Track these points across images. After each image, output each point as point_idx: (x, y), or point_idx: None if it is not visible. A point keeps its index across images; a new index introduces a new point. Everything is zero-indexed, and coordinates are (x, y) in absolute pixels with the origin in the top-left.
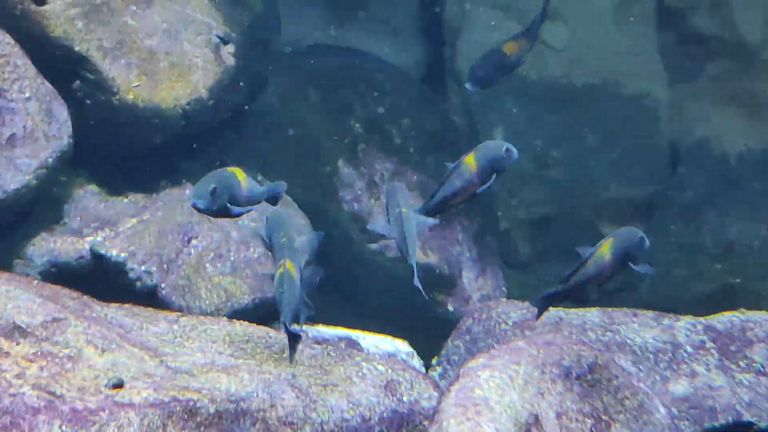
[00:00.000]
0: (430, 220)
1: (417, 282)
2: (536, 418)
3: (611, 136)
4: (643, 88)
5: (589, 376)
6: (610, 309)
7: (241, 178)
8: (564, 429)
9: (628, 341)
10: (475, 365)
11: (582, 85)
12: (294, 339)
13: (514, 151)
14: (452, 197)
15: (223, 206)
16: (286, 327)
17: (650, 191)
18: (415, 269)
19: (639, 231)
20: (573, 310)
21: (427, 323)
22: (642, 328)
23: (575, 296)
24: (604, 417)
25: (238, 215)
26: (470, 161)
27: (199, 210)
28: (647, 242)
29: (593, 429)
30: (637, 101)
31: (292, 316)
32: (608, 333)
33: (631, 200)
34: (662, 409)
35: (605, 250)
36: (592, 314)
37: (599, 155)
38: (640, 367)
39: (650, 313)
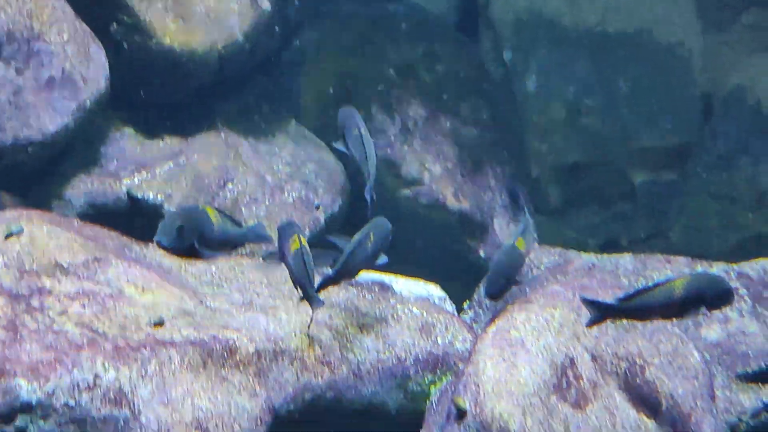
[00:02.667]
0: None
1: (368, 194)
2: (572, 360)
3: (644, 85)
4: (677, 36)
5: (624, 321)
6: (642, 255)
7: (212, 216)
8: (599, 371)
9: None
10: (512, 308)
11: (616, 32)
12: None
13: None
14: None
15: (190, 245)
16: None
17: (683, 140)
18: (371, 182)
19: (723, 280)
20: (606, 256)
21: (460, 268)
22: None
23: (629, 317)
24: (638, 360)
25: (209, 258)
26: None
27: (163, 248)
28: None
29: (628, 372)
30: (670, 50)
31: (311, 287)
32: (641, 279)
33: (663, 149)
34: (696, 354)
35: (679, 284)
36: (625, 260)
37: (632, 104)
38: None
39: (683, 260)
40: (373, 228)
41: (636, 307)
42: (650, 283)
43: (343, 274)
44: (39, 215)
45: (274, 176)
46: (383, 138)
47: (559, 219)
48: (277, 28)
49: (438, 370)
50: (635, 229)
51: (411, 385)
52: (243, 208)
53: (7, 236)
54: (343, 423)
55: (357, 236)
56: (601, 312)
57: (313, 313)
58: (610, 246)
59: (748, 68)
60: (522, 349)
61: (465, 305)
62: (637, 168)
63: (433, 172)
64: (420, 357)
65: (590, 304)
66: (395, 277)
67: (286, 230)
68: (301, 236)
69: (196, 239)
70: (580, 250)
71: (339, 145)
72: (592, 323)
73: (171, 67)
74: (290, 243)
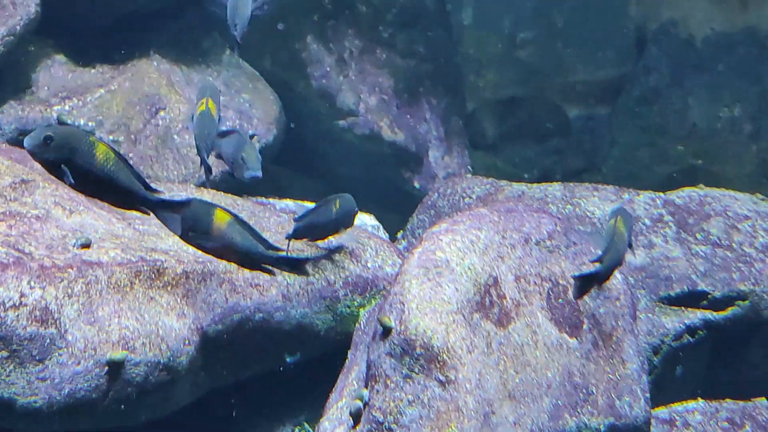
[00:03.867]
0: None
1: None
2: (495, 279)
3: (579, 19)
4: None
5: (548, 242)
6: (572, 184)
7: (99, 150)
8: (522, 291)
9: (588, 214)
10: (438, 230)
11: None
12: (208, 169)
13: None
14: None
15: (56, 164)
16: (202, 160)
17: (616, 74)
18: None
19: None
20: (536, 185)
21: (394, 199)
22: (602, 202)
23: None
24: (561, 281)
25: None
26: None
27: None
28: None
29: (550, 292)
30: None
31: (207, 149)
32: (569, 206)
33: (597, 83)
34: (619, 276)
35: (621, 227)
36: (554, 188)
37: (567, 37)
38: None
39: (611, 188)
40: (339, 199)
41: (612, 264)
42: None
43: (304, 232)
44: None
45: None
46: (319, 69)
47: (495, 153)
48: None
49: (367, 293)
50: (569, 162)
51: (340, 308)
52: (176, 136)
53: None
54: (272, 344)
55: (322, 203)
56: (587, 282)
57: (208, 183)
58: (543, 179)
59: (681, 2)
60: (447, 269)
61: (399, 234)
62: (571, 102)
63: (368, 103)
64: (349, 280)
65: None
66: None
67: (202, 91)
68: (211, 99)
69: (65, 161)
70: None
71: None
72: (580, 295)
73: None
74: (197, 105)
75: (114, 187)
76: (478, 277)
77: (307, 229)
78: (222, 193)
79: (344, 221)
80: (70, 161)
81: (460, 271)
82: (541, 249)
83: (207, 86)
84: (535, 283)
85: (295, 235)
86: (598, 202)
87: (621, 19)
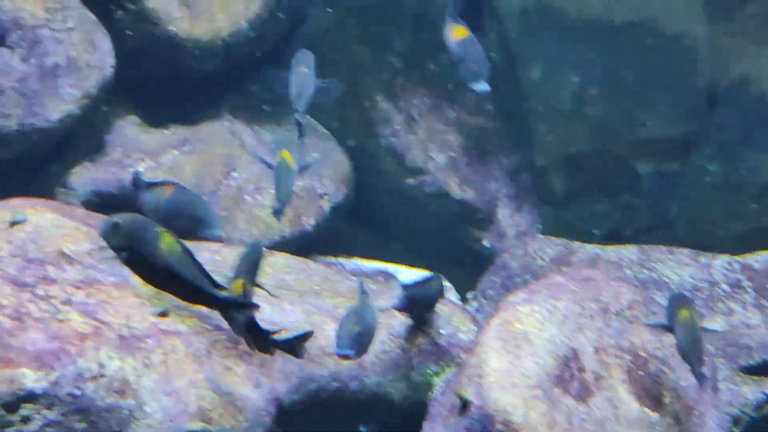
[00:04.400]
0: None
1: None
2: (575, 352)
3: (649, 75)
4: (682, 26)
5: (627, 313)
6: (647, 246)
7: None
8: (602, 363)
9: (665, 279)
10: (515, 300)
11: (621, 22)
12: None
13: None
14: None
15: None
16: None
17: (687, 130)
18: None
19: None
20: (610, 247)
21: (463, 258)
22: (679, 266)
23: None
24: (641, 353)
25: None
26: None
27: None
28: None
29: (631, 364)
30: (676, 40)
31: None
32: (645, 270)
33: (668, 139)
34: None
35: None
36: (629, 251)
37: (637, 93)
38: None
39: (687, 251)
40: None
41: None
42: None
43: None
44: (43, 203)
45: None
46: (388, 127)
47: (564, 209)
48: (282, 16)
49: (441, 361)
50: (639, 219)
51: (414, 376)
52: (247, 197)
53: (12, 224)
54: (347, 414)
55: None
56: None
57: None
58: (614, 236)
59: (753, 58)
60: (525, 341)
61: (468, 295)
62: (641, 158)
63: (437, 161)
64: (423, 347)
65: None
66: (399, 267)
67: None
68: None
69: (129, 249)
70: (585, 240)
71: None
72: None
73: (176, 54)
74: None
75: (177, 280)
76: (557, 349)
77: (412, 304)
78: (290, 254)
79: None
80: (133, 250)
81: (539, 344)
82: (621, 319)
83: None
84: (615, 355)
85: (402, 306)
86: (674, 266)
87: (691, 75)
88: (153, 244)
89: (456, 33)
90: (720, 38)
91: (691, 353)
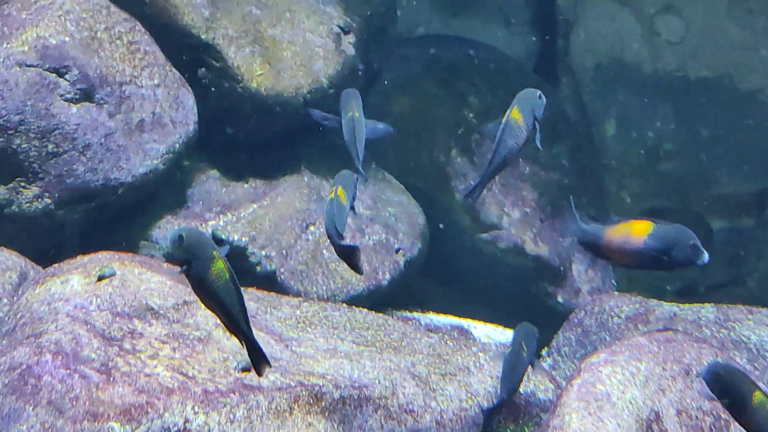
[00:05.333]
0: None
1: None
2: (657, 414)
3: (724, 130)
4: (757, 82)
5: None
6: (725, 306)
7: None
8: (684, 426)
9: (744, 339)
10: (597, 360)
11: (696, 78)
12: (346, 254)
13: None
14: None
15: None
16: (334, 243)
17: (762, 186)
18: (360, 171)
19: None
20: (687, 306)
21: (537, 314)
22: (757, 326)
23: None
24: (723, 415)
25: None
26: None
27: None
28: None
29: (712, 427)
30: (751, 96)
31: (338, 233)
32: (723, 330)
33: (742, 195)
34: None
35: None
36: (707, 310)
37: (712, 149)
38: (756, 365)
39: (765, 311)
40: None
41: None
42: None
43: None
44: (130, 258)
45: (354, 219)
46: (462, 181)
47: None
48: (360, 72)
49: (520, 420)
50: (713, 275)
51: None
52: (325, 251)
53: (100, 278)
54: None
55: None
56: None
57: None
58: (687, 292)
59: None
60: (608, 403)
61: (543, 352)
62: (715, 214)
63: (512, 216)
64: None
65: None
66: (474, 323)
67: (336, 180)
68: (341, 188)
69: (187, 264)
70: (658, 296)
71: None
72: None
73: (257, 110)
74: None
75: (219, 306)
76: (639, 411)
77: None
78: (368, 310)
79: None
80: (190, 266)
81: (621, 405)
82: (702, 382)
83: (341, 175)
84: (697, 417)
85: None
86: (753, 326)
87: (766, 131)
88: (206, 266)
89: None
90: None
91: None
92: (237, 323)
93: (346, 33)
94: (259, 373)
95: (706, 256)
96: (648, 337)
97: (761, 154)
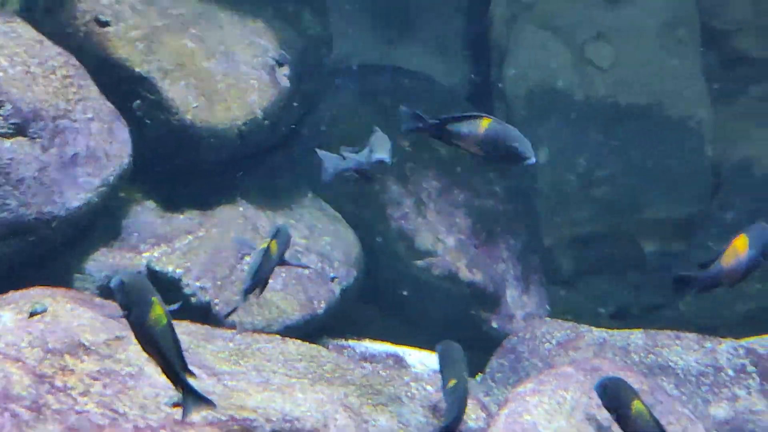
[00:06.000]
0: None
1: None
2: None
3: (655, 157)
4: (687, 109)
5: None
6: (653, 331)
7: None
8: None
9: (671, 364)
10: (524, 390)
11: (627, 105)
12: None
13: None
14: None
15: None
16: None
17: (692, 211)
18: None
19: None
20: (617, 332)
21: (473, 339)
22: (685, 351)
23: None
24: None
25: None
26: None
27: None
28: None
29: None
30: (681, 122)
31: (251, 287)
32: (651, 355)
33: (673, 219)
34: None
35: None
36: (636, 336)
37: (643, 175)
38: (683, 390)
39: (693, 336)
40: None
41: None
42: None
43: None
44: (62, 293)
45: (290, 248)
46: (398, 210)
47: (571, 288)
48: (295, 104)
49: None
50: (645, 298)
51: None
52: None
53: (32, 314)
54: None
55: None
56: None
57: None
58: (620, 315)
59: (756, 139)
60: None
61: (477, 378)
62: (647, 237)
63: (446, 243)
64: None
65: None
66: (408, 350)
67: (272, 232)
68: (275, 242)
69: (128, 309)
70: (591, 318)
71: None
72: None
73: (192, 142)
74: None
75: (156, 351)
76: None
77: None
78: (301, 341)
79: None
80: (130, 311)
81: None
82: None
83: (279, 229)
84: None
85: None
86: (680, 351)
87: (698, 156)
88: (144, 311)
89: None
90: (724, 120)
91: None
92: (173, 368)
93: (281, 65)
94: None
95: None
96: (575, 366)
97: (691, 180)
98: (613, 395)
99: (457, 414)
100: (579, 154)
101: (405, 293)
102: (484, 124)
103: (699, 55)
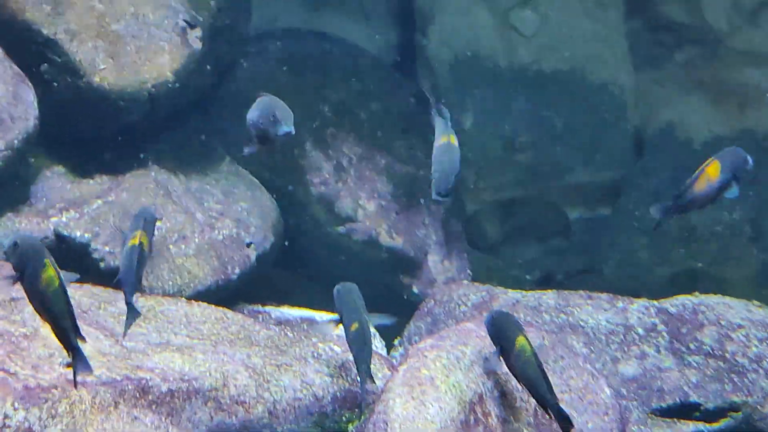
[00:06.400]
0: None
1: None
2: (480, 397)
3: (578, 122)
4: (610, 74)
5: None
6: (566, 292)
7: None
8: (508, 408)
9: (581, 323)
10: (423, 346)
11: (550, 71)
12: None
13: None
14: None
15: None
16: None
17: (616, 176)
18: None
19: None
20: (530, 293)
21: (393, 305)
22: (595, 311)
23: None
24: None
25: None
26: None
27: None
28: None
29: (537, 408)
30: (604, 87)
31: (134, 290)
32: (562, 315)
33: (596, 185)
34: (607, 390)
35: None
36: (548, 296)
37: (566, 140)
38: (591, 348)
39: (605, 296)
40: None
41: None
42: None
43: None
44: None
45: (204, 214)
46: (317, 175)
47: (496, 254)
48: (208, 66)
49: (356, 408)
50: (570, 263)
51: (328, 423)
52: (171, 246)
53: None
54: None
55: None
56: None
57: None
58: (546, 281)
59: (679, 105)
60: (431, 387)
61: (396, 341)
62: (571, 203)
63: (366, 209)
64: (338, 395)
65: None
66: (325, 314)
67: (137, 220)
68: (144, 232)
69: (21, 270)
70: (517, 285)
71: None
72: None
73: (101, 105)
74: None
75: (47, 313)
76: (463, 394)
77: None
78: (207, 304)
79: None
80: (23, 272)
81: (444, 389)
82: None
83: (142, 214)
84: (522, 399)
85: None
86: (591, 310)
87: (620, 121)
88: (36, 273)
89: (442, 138)
90: (647, 85)
91: None
92: (64, 331)
93: (193, 27)
94: (75, 384)
95: None
96: (476, 322)
97: (614, 145)
98: (499, 327)
99: (366, 357)
100: (503, 120)
101: (326, 259)
102: None
103: (622, 21)
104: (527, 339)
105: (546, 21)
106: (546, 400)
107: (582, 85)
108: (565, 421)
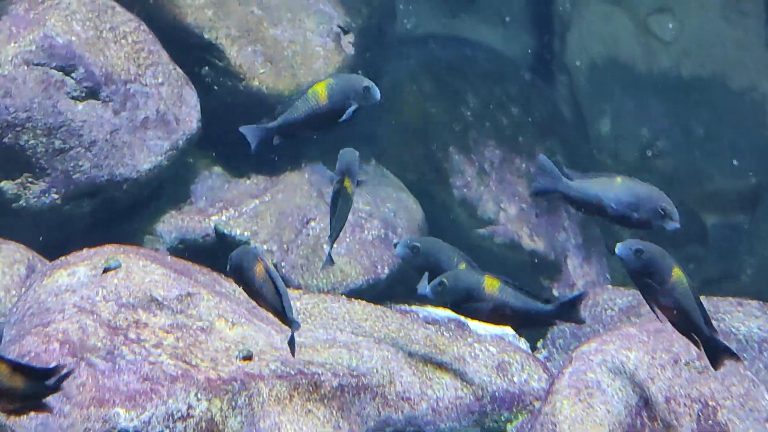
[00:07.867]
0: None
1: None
2: (646, 401)
3: (717, 128)
4: (750, 80)
5: (697, 363)
6: (715, 298)
7: None
8: (672, 413)
9: (733, 330)
10: (588, 350)
11: (690, 76)
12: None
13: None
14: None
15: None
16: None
17: (755, 183)
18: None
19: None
20: None
21: None
22: (747, 318)
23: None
24: (711, 403)
25: None
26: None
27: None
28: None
29: (700, 414)
30: (743, 94)
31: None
32: (713, 321)
33: (735, 192)
34: (767, 396)
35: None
36: None
37: (705, 146)
38: (744, 355)
39: (755, 303)
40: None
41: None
42: None
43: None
44: (135, 251)
45: (354, 214)
46: (460, 178)
47: None
48: (360, 71)
49: (514, 408)
50: (706, 270)
51: (488, 422)
52: (325, 245)
53: (106, 270)
54: None
55: None
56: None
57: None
58: None
59: None
60: (598, 390)
61: (539, 344)
62: (709, 210)
63: (508, 212)
64: (497, 395)
65: None
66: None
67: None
68: (348, 179)
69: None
70: None
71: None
72: None
73: (259, 108)
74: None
75: (262, 299)
76: (629, 398)
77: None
78: (366, 302)
79: None
80: (240, 274)
81: (611, 393)
82: (690, 370)
83: (345, 157)
84: (685, 404)
85: None
86: (742, 317)
87: (759, 128)
88: (251, 267)
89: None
90: None
91: None
92: (288, 316)
93: (346, 33)
94: (293, 351)
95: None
96: (638, 327)
97: (752, 151)
98: (651, 258)
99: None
100: (641, 125)
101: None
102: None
103: (763, 27)
104: (683, 271)
105: (685, 27)
106: (703, 331)
107: (722, 92)
108: (726, 352)
